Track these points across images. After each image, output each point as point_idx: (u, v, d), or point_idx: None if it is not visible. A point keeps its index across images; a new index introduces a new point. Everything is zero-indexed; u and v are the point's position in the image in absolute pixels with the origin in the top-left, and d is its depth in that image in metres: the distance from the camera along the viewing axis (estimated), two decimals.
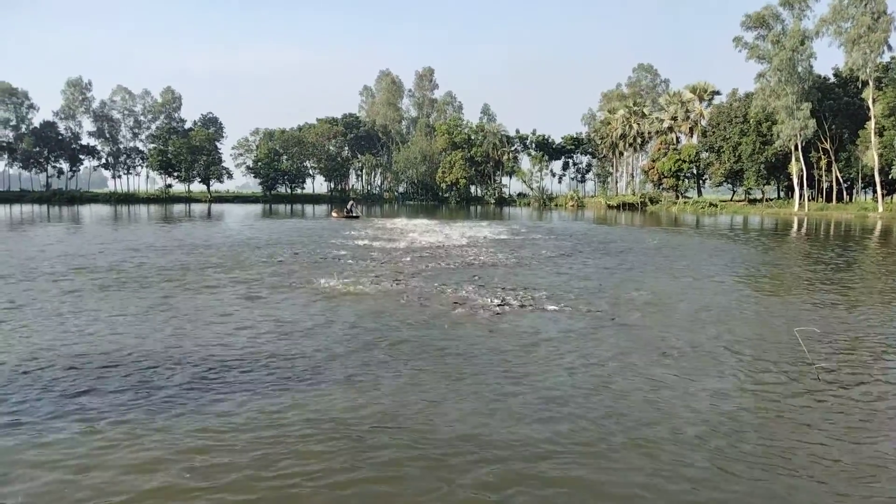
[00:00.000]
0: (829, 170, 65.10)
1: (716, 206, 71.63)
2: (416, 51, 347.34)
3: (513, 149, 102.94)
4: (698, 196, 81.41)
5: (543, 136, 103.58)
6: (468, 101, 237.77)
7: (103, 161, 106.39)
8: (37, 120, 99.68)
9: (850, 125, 62.24)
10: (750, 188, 76.03)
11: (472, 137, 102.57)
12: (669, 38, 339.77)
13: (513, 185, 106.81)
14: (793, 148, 61.52)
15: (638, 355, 8.93)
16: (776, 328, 10.82)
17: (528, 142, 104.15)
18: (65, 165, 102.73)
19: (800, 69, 59.47)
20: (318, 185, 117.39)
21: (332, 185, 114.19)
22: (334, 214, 50.54)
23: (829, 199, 66.61)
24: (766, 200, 74.51)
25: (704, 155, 78.58)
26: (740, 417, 6.67)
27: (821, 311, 12.43)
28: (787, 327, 10.46)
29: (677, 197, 78.94)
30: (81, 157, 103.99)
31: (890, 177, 57.32)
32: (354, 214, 48.95)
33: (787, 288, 15.88)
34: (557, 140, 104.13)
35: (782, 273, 19.01)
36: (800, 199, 63.89)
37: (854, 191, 69.30)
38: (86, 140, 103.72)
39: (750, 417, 6.69)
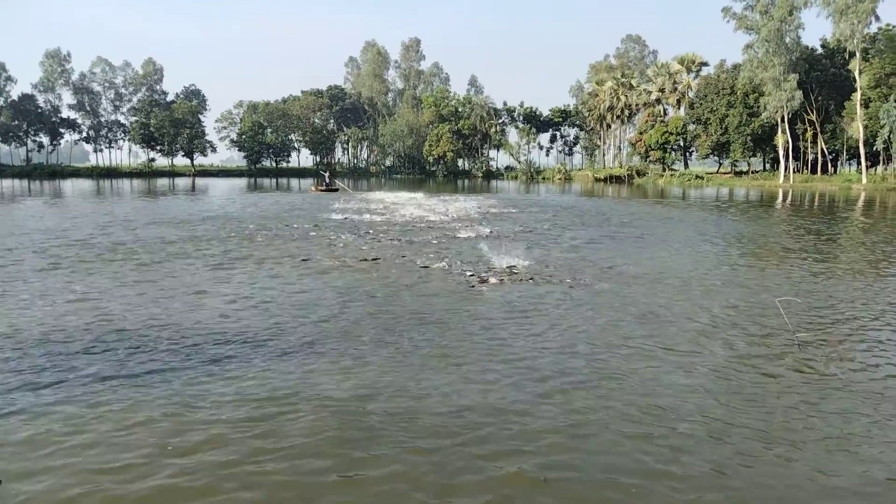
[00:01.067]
0: (814, 142, 65.36)
1: (702, 178, 71.82)
2: (402, 22, 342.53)
3: (500, 121, 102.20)
4: (685, 168, 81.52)
5: (531, 108, 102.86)
6: (455, 72, 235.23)
7: (84, 135, 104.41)
8: (15, 93, 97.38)
9: (836, 97, 62.35)
10: (736, 160, 76.26)
11: (460, 110, 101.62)
12: (658, 7, 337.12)
13: (500, 159, 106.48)
14: (779, 120, 61.60)
15: (618, 326, 8.94)
16: (758, 298, 10.88)
17: (515, 114, 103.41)
18: (45, 139, 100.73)
19: (787, 40, 59.29)
20: (303, 158, 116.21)
21: (318, 159, 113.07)
22: (312, 188, 50.48)
23: (814, 171, 66.99)
24: (752, 172, 74.83)
25: (691, 127, 78.56)
26: (719, 388, 6.71)
27: (803, 281, 12.51)
28: (770, 297, 10.52)
29: (664, 169, 78.99)
30: (62, 130, 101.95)
31: (874, 148, 57.65)
32: (334, 188, 48.64)
33: (769, 258, 15.97)
34: (545, 112, 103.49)
35: (765, 244, 19.11)
36: (785, 171, 64.19)
37: (839, 162, 69.72)
38: (66, 113, 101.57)
39: (728, 387, 6.72)
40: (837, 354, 7.87)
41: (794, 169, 65.63)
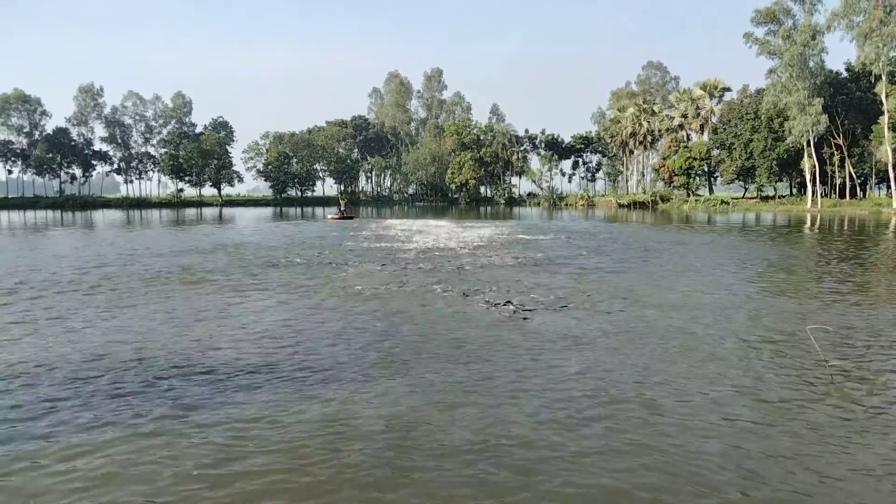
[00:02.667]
0: (842, 166, 64.42)
1: (727, 203, 71.08)
2: (424, 52, 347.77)
3: (522, 148, 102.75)
4: (710, 194, 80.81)
5: (553, 135, 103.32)
6: (477, 101, 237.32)
7: (115, 166, 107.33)
8: (50, 126, 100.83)
9: (863, 120, 61.54)
10: (762, 185, 75.42)
11: (482, 137, 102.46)
12: (679, 35, 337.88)
13: (522, 185, 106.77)
14: (805, 144, 60.93)
15: (645, 353, 8.83)
16: (788, 326, 10.67)
17: (537, 141, 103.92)
18: (77, 171, 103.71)
19: (811, 64, 58.93)
20: (327, 187, 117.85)
21: (342, 188, 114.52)
22: (328, 217, 51.23)
23: (842, 196, 65.90)
24: (779, 197, 73.87)
25: (715, 152, 78.04)
26: (748, 420, 6.56)
27: (834, 309, 12.25)
28: (801, 325, 10.32)
29: (688, 195, 78.42)
30: (94, 162, 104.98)
31: None
32: (348, 215, 49.47)
33: (799, 285, 15.68)
34: (567, 139, 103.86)
35: (794, 270, 18.79)
36: (812, 195, 63.27)
37: (867, 186, 68.56)
38: (98, 145, 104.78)
39: (758, 419, 6.57)
40: (871, 384, 7.67)
41: (821, 193, 64.68)
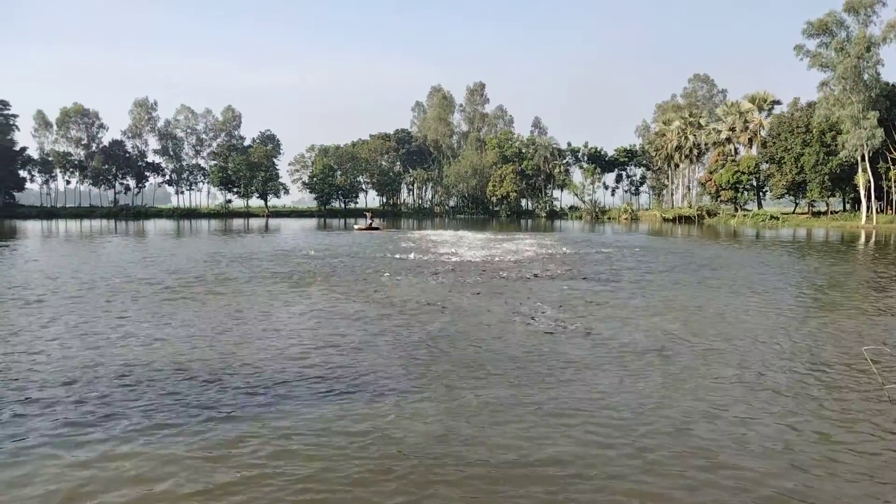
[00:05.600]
0: None
1: (777, 218, 69.18)
2: (468, 65, 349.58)
3: (564, 161, 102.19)
4: (758, 208, 78.81)
5: (596, 148, 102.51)
6: (519, 114, 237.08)
7: (167, 178, 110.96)
8: (106, 139, 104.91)
9: None
10: (813, 200, 73.22)
11: (523, 151, 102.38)
12: (727, 47, 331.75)
13: (564, 198, 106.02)
14: (859, 158, 59.01)
15: (696, 375, 8.71)
16: (844, 347, 10.37)
17: (579, 154, 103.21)
18: (131, 182, 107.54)
19: (866, 77, 57.14)
20: (370, 199, 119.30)
21: (385, 200, 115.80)
22: (356, 227, 52.83)
23: None
24: (831, 213, 71.59)
25: (764, 166, 76.11)
26: (805, 447, 6.43)
27: (892, 330, 11.85)
28: (856, 346, 10.02)
29: (736, 209, 76.64)
30: (147, 173, 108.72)
31: None
32: (375, 226, 51.39)
33: (854, 304, 15.18)
34: (610, 152, 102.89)
35: (849, 288, 18.19)
36: (867, 211, 61.12)
37: None
38: (151, 157, 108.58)
39: (815, 446, 6.43)
40: None
41: (877, 209, 62.43)
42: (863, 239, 42.81)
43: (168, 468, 5.72)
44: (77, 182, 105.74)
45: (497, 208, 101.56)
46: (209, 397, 7.64)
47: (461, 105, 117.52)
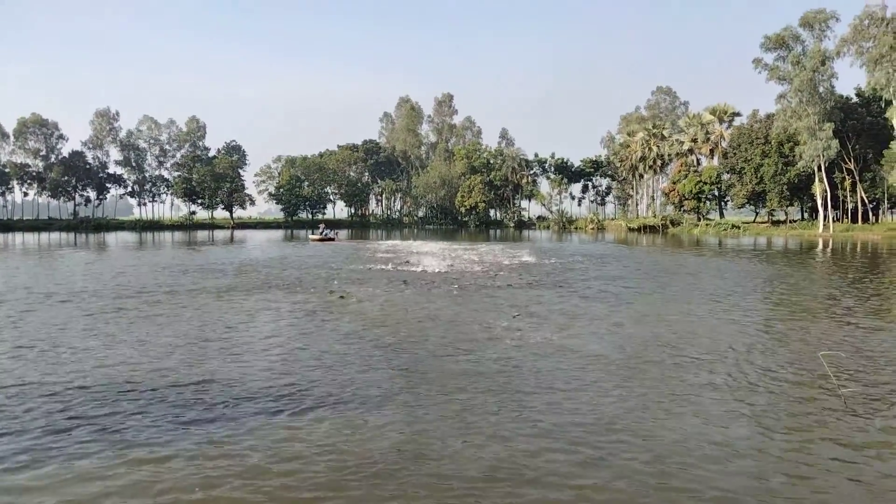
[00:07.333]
0: (853, 190, 64.10)
1: (738, 227, 70.75)
2: (436, 77, 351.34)
3: (531, 172, 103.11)
4: (720, 218, 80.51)
5: (562, 159, 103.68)
6: (487, 126, 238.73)
7: (129, 189, 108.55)
8: (66, 150, 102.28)
9: (874, 145, 61.35)
10: (773, 209, 75.10)
11: (491, 161, 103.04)
12: (688, 60, 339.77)
13: (532, 209, 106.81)
14: (816, 168, 60.75)
15: (656, 379, 8.78)
16: (801, 353, 10.58)
17: (546, 165, 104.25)
18: (92, 194, 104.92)
19: (821, 89, 58.96)
20: (338, 210, 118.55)
21: (353, 210, 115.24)
22: (311, 238, 56.20)
23: (854, 220, 65.47)
24: (790, 222, 73.50)
25: (726, 176, 77.89)
26: (762, 447, 6.50)
27: (848, 335, 12.14)
28: (813, 351, 10.22)
29: (699, 219, 78.16)
30: (108, 185, 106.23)
31: None
32: (329, 237, 54.24)
33: (811, 310, 15.54)
34: (576, 163, 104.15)
35: (807, 295, 18.63)
36: (824, 220, 62.90)
37: (880, 211, 68.09)
38: (113, 169, 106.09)
39: (772, 447, 6.51)
40: (884, 409, 7.57)
41: (833, 218, 64.28)
42: (820, 247, 44.00)
43: (131, 480, 5.51)
44: (35, 194, 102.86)
45: (466, 219, 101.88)
46: (163, 411, 7.42)
47: (429, 116, 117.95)
